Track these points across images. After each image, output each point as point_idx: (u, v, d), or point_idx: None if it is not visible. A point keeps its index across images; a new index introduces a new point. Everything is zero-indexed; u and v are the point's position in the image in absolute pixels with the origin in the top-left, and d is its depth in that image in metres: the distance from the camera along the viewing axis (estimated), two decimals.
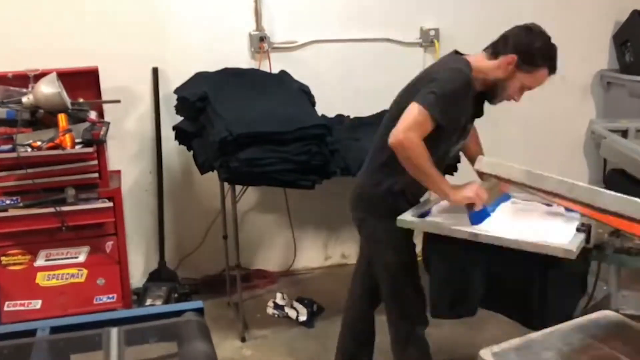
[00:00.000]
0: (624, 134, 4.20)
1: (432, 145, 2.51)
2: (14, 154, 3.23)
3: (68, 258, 3.46)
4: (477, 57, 2.67)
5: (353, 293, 3.11)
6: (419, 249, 2.79)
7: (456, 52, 2.76)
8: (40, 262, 3.44)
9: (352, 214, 2.84)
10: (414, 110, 2.46)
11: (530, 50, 2.58)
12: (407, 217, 2.62)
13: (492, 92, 2.67)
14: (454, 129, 2.62)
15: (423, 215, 2.69)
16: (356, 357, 3.11)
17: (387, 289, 2.83)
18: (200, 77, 3.88)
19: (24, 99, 3.43)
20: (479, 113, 2.79)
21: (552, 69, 2.62)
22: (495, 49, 2.64)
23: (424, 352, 2.89)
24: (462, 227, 2.51)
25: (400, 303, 2.83)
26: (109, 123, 3.63)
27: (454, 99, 2.50)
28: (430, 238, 2.67)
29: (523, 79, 2.61)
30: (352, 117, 4.13)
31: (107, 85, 3.86)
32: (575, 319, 1.82)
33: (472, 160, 2.81)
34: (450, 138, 2.64)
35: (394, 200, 2.68)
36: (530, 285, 2.54)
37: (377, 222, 2.71)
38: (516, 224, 2.59)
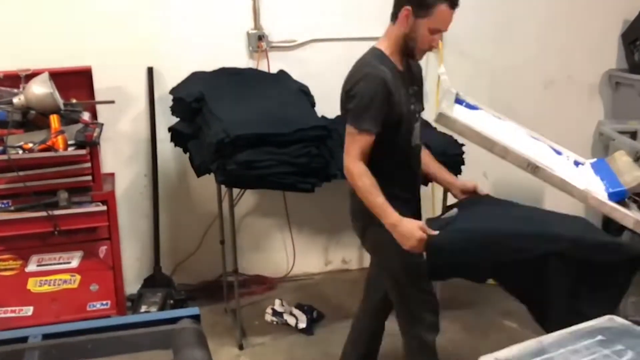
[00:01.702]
0: (633, 135, 4.20)
1: (392, 141, 2.64)
2: (4, 156, 3.23)
3: (60, 263, 3.46)
4: (385, 33, 2.74)
5: (365, 301, 3.15)
6: None
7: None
8: (31, 267, 3.43)
9: (353, 224, 2.88)
10: (348, 134, 2.61)
11: None
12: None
13: (408, 51, 2.70)
14: (399, 119, 2.66)
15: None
16: None
17: (395, 295, 2.86)
18: (196, 77, 3.89)
19: (15, 100, 3.43)
20: (417, 83, 2.84)
21: (452, 3, 2.63)
22: (392, 15, 2.69)
23: (435, 359, 2.91)
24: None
25: (408, 308, 2.85)
26: (102, 124, 3.63)
27: (377, 103, 2.57)
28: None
29: (426, 24, 2.61)
30: None
31: (101, 85, 3.87)
32: (581, 324, 1.82)
33: (435, 178, 2.98)
34: (402, 126, 2.68)
35: (390, 204, 2.69)
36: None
37: (377, 229, 2.72)
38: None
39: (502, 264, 2.55)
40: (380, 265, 2.91)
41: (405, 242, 2.54)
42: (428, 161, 2.95)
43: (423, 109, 2.88)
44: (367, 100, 2.56)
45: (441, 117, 2.50)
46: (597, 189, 2.50)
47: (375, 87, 2.57)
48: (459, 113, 2.60)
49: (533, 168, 2.42)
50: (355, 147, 2.58)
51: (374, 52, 2.71)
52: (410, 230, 2.52)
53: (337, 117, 4.09)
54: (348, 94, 2.63)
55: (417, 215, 2.82)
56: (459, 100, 2.82)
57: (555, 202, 3.44)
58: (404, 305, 2.86)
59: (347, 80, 2.69)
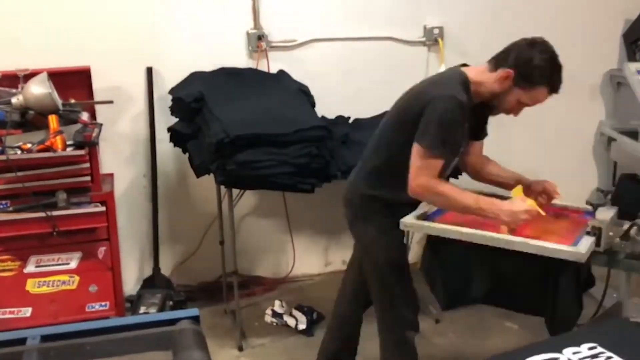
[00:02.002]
0: (635, 135, 4.19)
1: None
2: (3, 157, 3.22)
3: (59, 264, 3.46)
4: (479, 69, 2.69)
5: (342, 295, 3.18)
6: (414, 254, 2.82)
7: (462, 65, 2.77)
8: (30, 268, 3.43)
9: (344, 211, 2.90)
10: (417, 155, 2.54)
11: (529, 67, 2.58)
12: (410, 220, 2.66)
13: (488, 103, 2.69)
14: (456, 151, 2.67)
15: (425, 217, 2.71)
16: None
17: (376, 290, 2.87)
18: (196, 77, 3.89)
19: (14, 100, 3.43)
20: (482, 128, 2.84)
21: (553, 89, 2.61)
22: (497, 62, 2.65)
23: (413, 357, 2.92)
24: (469, 230, 2.53)
25: (389, 305, 2.86)
26: (101, 124, 3.63)
27: (453, 129, 2.54)
28: (433, 240, 2.72)
29: (520, 95, 2.60)
30: (353, 118, 4.13)
31: (100, 85, 3.87)
32: (584, 325, 1.82)
33: (468, 169, 2.96)
34: (452, 159, 2.69)
35: (385, 203, 2.73)
36: (538, 282, 2.65)
37: (368, 222, 2.75)
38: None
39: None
40: (364, 257, 2.90)
41: (518, 218, 2.51)
42: (498, 171, 2.93)
43: (467, 142, 2.83)
44: (445, 123, 2.51)
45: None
46: None
47: (455, 113, 2.51)
48: None
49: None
50: (425, 167, 2.54)
51: (461, 78, 2.64)
52: (519, 221, 2.52)
53: (337, 117, 4.12)
54: (428, 99, 2.56)
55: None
56: None
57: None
58: (385, 301, 2.86)
59: (435, 82, 2.69)
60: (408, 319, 2.86)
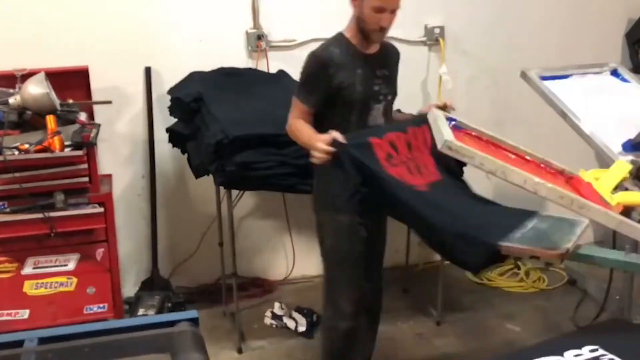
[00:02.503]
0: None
1: (345, 119, 2.83)
2: (0, 157, 3.23)
3: (57, 266, 3.47)
4: (350, 20, 2.92)
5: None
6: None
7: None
8: (27, 270, 3.44)
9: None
10: (292, 103, 2.90)
11: None
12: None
13: (364, 34, 2.86)
14: (348, 98, 2.82)
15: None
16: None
17: (324, 275, 3.08)
18: (195, 77, 3.89)
19: (11, 100, 3.44)
20: (388, 67, 2.98)
21: None
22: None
23: (337, 346, 3.03)
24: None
25: (328, 289, 3.05)
26: (99, 125, 3.64)
27: (314, 80, 2.82)
28: None
29: (368, 4, 2.77)
30: None
31: (98, 85, 3.87)
32: (586, 326, 1.82)
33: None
34: (355, 105, 2.85)
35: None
36: None
37: (323, 212, 2.97)
38: None
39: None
40: (319, 245, 3.04)
41: (315, 153, 2.66)
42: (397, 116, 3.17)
43: (393, 92, 2.99)
44: (305, 76, 2.85)
45: (447, 144, 2.49)
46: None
47: (312, 66, 2.82)
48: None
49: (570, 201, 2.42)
50: (294, 111, 2.87)
51: (335, 35, 2.92)
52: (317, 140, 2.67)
53: None
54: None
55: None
56: (449, 118, 2.83)
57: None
58: (326, 285, 3.06)
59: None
60: (342, 307, 2.97)
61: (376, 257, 3.14)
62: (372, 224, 2.99)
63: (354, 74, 2.83)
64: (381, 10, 2.75)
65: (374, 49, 2.91)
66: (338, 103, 2.83)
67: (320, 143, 2.62)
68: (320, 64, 2.82)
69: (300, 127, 2.83)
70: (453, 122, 2.78)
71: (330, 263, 3.00)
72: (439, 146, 2.42)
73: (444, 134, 2.44)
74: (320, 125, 2.79)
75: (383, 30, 2.82)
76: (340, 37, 2.90)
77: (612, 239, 3.08)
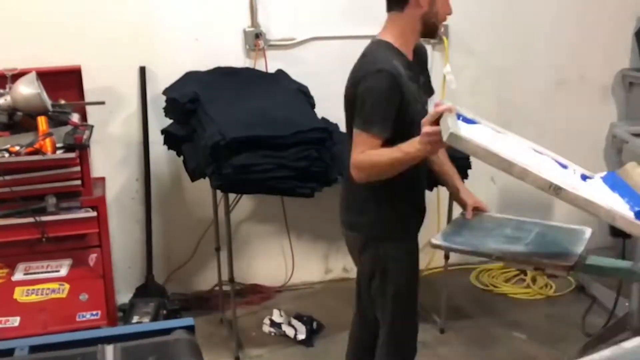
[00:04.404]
0: None
1: (409, 136, 2.45)
2: None
3: (48, 272, 3.46)
4: (388, 27, 2.64)
5: (359, 305, 3.12)
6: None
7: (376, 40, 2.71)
8: (18, 276, 3.43)
9: (348, 234, 2.86)
10: (357, 139, 2.49)
11: None
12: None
13: (428, 30, 2.64)
14: (411, 120, 2.52)
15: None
16: None
17: (389, 315, 2.77)
18: (191, 77, 3.90)
19: (1, 101, 3.44)
20: (425, 71, 2.80)
21: None
22: (390, 5, 2.63)
23: None
24: None
25: (400, 330, 2.79)
26: (92, 126, 3.64)
27: (388, 102, 2.47)
28: None
29: None
30: None
31: (91, 85, 3.88)
32: (607, 350, 1.78)
33: (447, 180, 2.90)
34: (414, 127, 2.47)
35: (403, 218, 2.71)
36: None
37: (383, 243, 2.69)
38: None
39: None
40: (379, 283, 2.74)
41: (430, 144, 2.36)
42: (443, 159, 2.87)
43: (432, 93, 2.84)
44: (378, 100, 2.46)
45: (452, 137, 2.46)
46: (620, 208, 2.49)
47: (385, 86, 2.45)
48: (465, 130, 2.58)
49: (556, 190, 2.41)
50: (363, 148, 2.47)
51: (381, 45, 2.59)
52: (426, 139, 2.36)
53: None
54: (356, 94, 2.51)
55: (420, 224, 2.81)
56: (457, 115, 2.82)
57: (565, 206, 3.43)
58: (396, 326, 2.77)
59: (354, 77, 2.57)
60: (412, 345, 2.83)
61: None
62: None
63: (411, 87, 2.55)
64: None
65: (411, 54, 2.64)
66: (401, 125, 2.50)
67: (425, 129, 2.31)
68: (391, 80, 2.45)
69: (379, 153, 2.45)
70: (461, 117, 2.77)
71: (404, 303, 2.73)
72: (445, 138, 2.40)
73: (449, 126, 2.43)
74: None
75: (450, 14, 2.64)
76: (386, 44, 2.58)
77: (622, 247, 3.09)
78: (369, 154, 2.46)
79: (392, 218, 2.66)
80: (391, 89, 2.46)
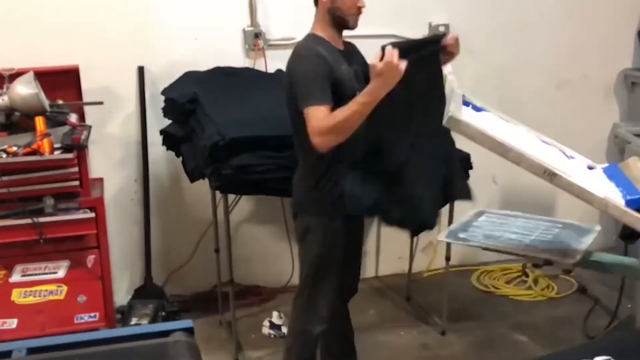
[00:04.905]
0: None
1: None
2: None
3: (46, 273, 3.47)
4: (314, 21, 2.94)
5: None
6: None
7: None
8: (16, 277, 3.44)
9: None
10: (308, 116, 2.68)
11: None
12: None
13: (341, 24, 2.88)
14: (344, 94, 2.73)
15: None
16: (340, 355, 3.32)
17: (302, 281, 3.07)
18: (189, 77, 3.89)
19: None
20: (357, 63, 2.96)
21: None
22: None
23: (309, 349, 3.12)
24: None
25: (309, 295, 3.03)
26: (90, 127, 3.64)
27: (317, 75, 2.70)
28: None
29: None
30: None
31: (89, 85, 3.87)
32: (598, 337, 1.82)
33: None
34: (352, 93, 2.74)
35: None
36: None
37: (305, 217, 2.98)
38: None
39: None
40: (299, 251, 3.06)
41: (392, 78, 2.59)
42: None
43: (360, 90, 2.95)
44: (310, 77, 2.70)
45: (451, 121, 2.47)
46: (613, 196, 2.51)
47: (310, 63, 2.72)
48: (468, 116, 2.59)
49: (550, 175, 2.42)
50: (317, 120, 2.64)
51: (308, 37, 2.89)
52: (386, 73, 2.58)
53: None
54: (290, 76, 2.78)
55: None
56: (465, 102, 2.82)
57: (567, 207, 3.45)
58: (306, 291, 3.03)
59: (287, 69, 2.83)
60: (321, 312, 3.01)
61: (357, 263, 3.25)
62: (357, 227, 3.13)
63: (341, 69, 2.80)
64: None
65: (341, 45, 2.92)
66: (342, 102, 2.69)
67: (373, 63, 2.57)
68: (316, 58, 2.73)
69: (335, 113, 2.63)
70: (471, 105, 2.79)
71: (316, 269, 2.98)
72: (444, 122, 2.44)
73: (450, 110, 2.46)
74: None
75: (360, 11, 2.86)
76: (315, 37, 2.87)
77: (624, 247, 3.08)
78: (325, 118, 2.63)
79: (316, 195, 2.91)
80: (317, 65, 2.72)
